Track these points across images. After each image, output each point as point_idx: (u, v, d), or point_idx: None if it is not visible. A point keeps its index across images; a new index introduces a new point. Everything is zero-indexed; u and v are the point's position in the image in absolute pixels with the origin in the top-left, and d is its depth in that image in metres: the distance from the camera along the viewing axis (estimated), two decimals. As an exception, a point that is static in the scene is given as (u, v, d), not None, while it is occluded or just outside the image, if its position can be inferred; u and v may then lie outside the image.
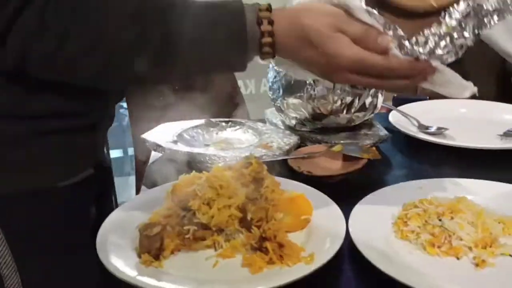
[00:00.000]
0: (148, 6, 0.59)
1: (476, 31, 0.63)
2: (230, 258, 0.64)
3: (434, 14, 0.61)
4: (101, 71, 0.62)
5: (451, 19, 0.62)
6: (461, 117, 1.15)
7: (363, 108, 0.98)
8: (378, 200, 0.74)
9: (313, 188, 0.77)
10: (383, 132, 1.02)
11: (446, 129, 1.03)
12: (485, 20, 0.63)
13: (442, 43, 0.62)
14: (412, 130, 1.05)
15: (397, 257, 0.62)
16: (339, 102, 0.96)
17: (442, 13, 0.62)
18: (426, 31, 0.63)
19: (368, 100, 0.98)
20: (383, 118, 1.12)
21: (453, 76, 0.65)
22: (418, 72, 0.63)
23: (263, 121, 1.14)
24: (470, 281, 0.57)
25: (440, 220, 0.65)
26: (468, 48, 0.64)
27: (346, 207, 0.72)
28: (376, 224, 0.69)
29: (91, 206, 0.77)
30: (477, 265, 0.60)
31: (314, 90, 0.96)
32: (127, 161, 3.00)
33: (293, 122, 1.04)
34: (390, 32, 0.62)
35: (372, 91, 0.97)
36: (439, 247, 0.63)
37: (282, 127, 1.07)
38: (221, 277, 0.60)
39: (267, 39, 0.61)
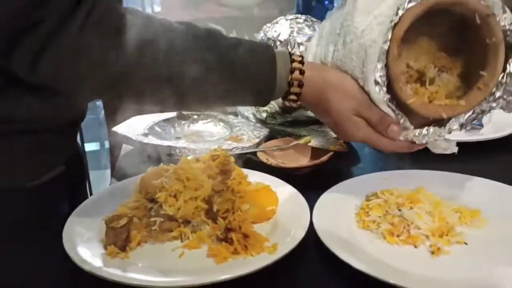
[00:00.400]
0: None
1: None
2: (196, 249, 0.65)
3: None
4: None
5: (454, 124, 0.70)
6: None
7: (332, 101, 1.00)
8: (343, 191, 0.76)
9: (280, 180, 0.79)
10: (352, 125, 1.04)
11: (412, 121, 1.06)
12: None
13: (440, 139, 0.71)
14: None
15: (358, 246, 0.64)
16: (308, 96, 0.98)
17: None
18: (431, 129, 0.70)
19: (336, 94, 0.99)
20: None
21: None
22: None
23: (235, 114, 1.15)
24: (426, 268, 0.59)
25: (399, 210, 0.67)
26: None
27: (312, 198, 0.73)
28: (339, 215, 0.70)
29: (64, 201, 0.78)
30: (433, 253, 0.62)
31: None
32: (103, 154, 2.97)
33: (264, 115, 1.05)
34: (401, 120, 0.68)
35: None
36: (398, 236, 0.65)
37: (253, 120, 1.08)
38: (186, 267, 0.61)
39: (292, 97, 0.68)
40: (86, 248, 0.63)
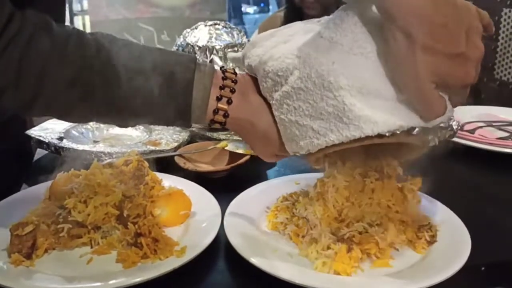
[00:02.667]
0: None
1: None
2: (105, 254, 0.65)
3: None
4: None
5: None
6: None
7: (250, 106, 1.03)
8: (255, 194, 0.79)
9: (194, 184, 0.80)
10: (270, 129, 1.07)
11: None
12: None
13: None
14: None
15: (266, 247, 0.66)
16: (226, 100, 1.00)
17: None
18: None
19: (254, 99, 1.02)
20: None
21: None
22: None
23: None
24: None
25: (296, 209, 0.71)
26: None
27: (228, 202, 0.75)
28: (251, 217, 0.73)
29: None
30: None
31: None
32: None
33: (184, 119, 1.06)
34: None
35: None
36: (303, 236, 0.68)
37: (174, 124, 1.08)
38: (93, 273, 0.61)
39: (216, 125, 0.59)
40: (-12, 257, 0.61)
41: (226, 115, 0.58)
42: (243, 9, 4.02)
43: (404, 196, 0.68)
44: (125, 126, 0.63)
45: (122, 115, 0.57)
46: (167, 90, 0.56)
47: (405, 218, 0.67)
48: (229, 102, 0.58)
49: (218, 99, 0.57)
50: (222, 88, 0.58)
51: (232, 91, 0.58)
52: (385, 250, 0.64)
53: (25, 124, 0.80)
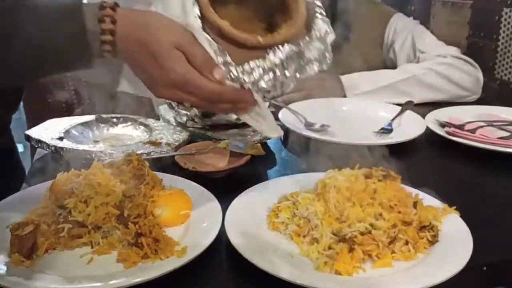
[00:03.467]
0: None
1: (297, 74, 0.71)
2: (106, 254, 0.65)
3: (261, 49, 0.69)
4: None
5: (275, 57, 0.69)
6: (343, 114, 1.24)
7: (250, 106, 1.02)
8: (256, 194, 0.79)
9: (195, 184, 0.80)
10: (270, 129, 1.07)
11: (328, 126, 1.10)
12: (307, 67, 0.72)
13: (266, 77, 0.69)
14: (298, 127, 1.12)
15: (266, 247, 0.66)
16: (227, 100, 0.99)
17: (268, 50, 0.69)
18: (252, 63, 0.68)
19: (255, 99, 1.02)
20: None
21: (268, 115, 0.74)
22: (241, 99, 0.69)
23: (157, 118, 1.14)
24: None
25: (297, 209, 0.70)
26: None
27: (228, 201, 0.75)
28: (251, 217, 0.73)
29: None
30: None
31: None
32: (28, 156, 2.84)
33: (184, 118, 1.06)
34: (220, 59, 0.67)
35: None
36: (304, 236, 0.68)
37: (174, 124, 1.08)
38: (94, 273, 0.61)
39: (107, 37, 0.62)
40: (-12, 257, 0.61)
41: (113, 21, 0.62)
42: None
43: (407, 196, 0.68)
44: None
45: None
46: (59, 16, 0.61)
47: (407, 218, 0.66)
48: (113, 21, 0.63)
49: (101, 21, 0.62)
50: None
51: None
52: (387, 251, 0.63)
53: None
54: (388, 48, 1.59)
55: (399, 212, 0.67)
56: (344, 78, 1.40)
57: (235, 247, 0.64)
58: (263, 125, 0.73)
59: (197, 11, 0.67)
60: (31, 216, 0.66)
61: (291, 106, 1.23)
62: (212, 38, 0.67)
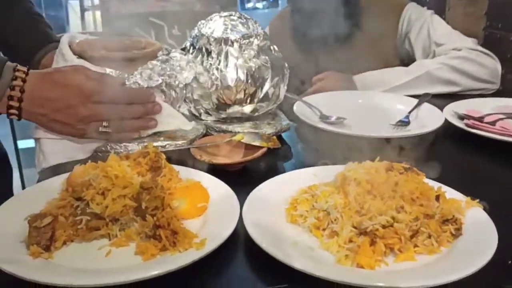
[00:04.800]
0: None
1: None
2: (123, 246, 0.64)
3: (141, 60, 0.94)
4: None
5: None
6: (359, 107, 1.22)
7: (266, 98, 1.01)
8: (273, 187, 0.78)
9: (212, 176, 0.79)
10: (286, 121, 1.06)
11: (344, 118, 1.09)
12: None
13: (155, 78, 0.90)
14: (313, 120, 1.11)
15: (285, 240, 0.65)
16: (242, 92, 0.99)
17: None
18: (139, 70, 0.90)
19: (270, 91, 1.01)
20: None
21: (174, 111, 0.91)
22: (148, 97, 0.87)
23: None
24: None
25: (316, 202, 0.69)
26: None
27: (245, 194, 0.74)
28: (269, 209, 0.72)
29: None
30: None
31: (217, 80, 0.98)
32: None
33: (199, 111, 1.05)
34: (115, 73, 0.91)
35: (274, 80, 1.01)
36: (323, 229, 0.67)
37: (189, 117, 1.07)
38: (113, 266, 0.60)
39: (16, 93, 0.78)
40: (7, 248, 0.60)
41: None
42: (251, 4, 4.01)
43: (429, 189, 0.66)
44: None
45: None
46: None
47: (429, 211, 0.65)
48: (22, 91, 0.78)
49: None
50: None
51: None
52: (409, 244, 0.62)
53: None
54: (402, 38, 1.57)
55: (421, 205, 0.66)
56: (358, 78, 1.39)
57: (254, 239, 0.63)
58: (178, 122, 0.90)
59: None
60: (49, 208, 0.66)
61: (305, 99, 1.22)
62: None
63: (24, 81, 0.78)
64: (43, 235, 0.62)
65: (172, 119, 0.90)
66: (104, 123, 0.83)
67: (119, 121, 0.84)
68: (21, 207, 0.69)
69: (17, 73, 0.78)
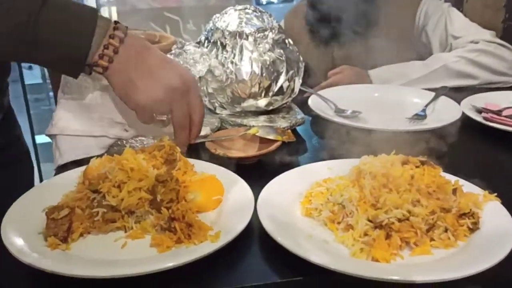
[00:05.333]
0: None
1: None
2: (139, 239, 0.65)
3: None
4: None
5: None
6: (374, 101, 1.21)
7: (280, 91, 1.01)
8: (288, 180, 0.78)
9: (226, 169, 0.79)
10: (300, 115, 1.06)
11: (360, 112, 1.08)
12: None
13: None
14: (329, 113, 1.10)
15: (300, 233, 0.65)
16: (257, 86, 0.98)
17: None
18: None
19: (285, 84, 1.01)
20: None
21: None
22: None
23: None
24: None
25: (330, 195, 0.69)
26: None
27: (259, 188, 0.74)
28: (284, 203, 0.72)
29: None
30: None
31: (232, 74, 0.98)
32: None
33: (214, 105, 1.05)
34: None
35: (289, 74, 1.00)
36: (338, 223, 0.67)
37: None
38: (129, 257, 0.61)
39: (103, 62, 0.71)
40: (25, 240, 0.61)
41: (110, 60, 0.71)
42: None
43: (446, 182, 0.66)
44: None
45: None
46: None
47: (446, 205, 0.64)
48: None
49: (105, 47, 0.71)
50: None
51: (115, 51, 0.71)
52: (425, 238, 0.62)
53: None
54: (419, 31, 1.55)
55: (438, 199, 0.65)
56: (374, 73, 1.38)
57: (269, 232, 0.63)
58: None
59: None
60: (66, 200, 0.67)
61: (320, 92, 1.21)
62: None
63: (116, 52, 0.71)
64: (61, 227, 0.63)
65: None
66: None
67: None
68: (39, 200, 0.70)
69: (111, 40, 0.70)
